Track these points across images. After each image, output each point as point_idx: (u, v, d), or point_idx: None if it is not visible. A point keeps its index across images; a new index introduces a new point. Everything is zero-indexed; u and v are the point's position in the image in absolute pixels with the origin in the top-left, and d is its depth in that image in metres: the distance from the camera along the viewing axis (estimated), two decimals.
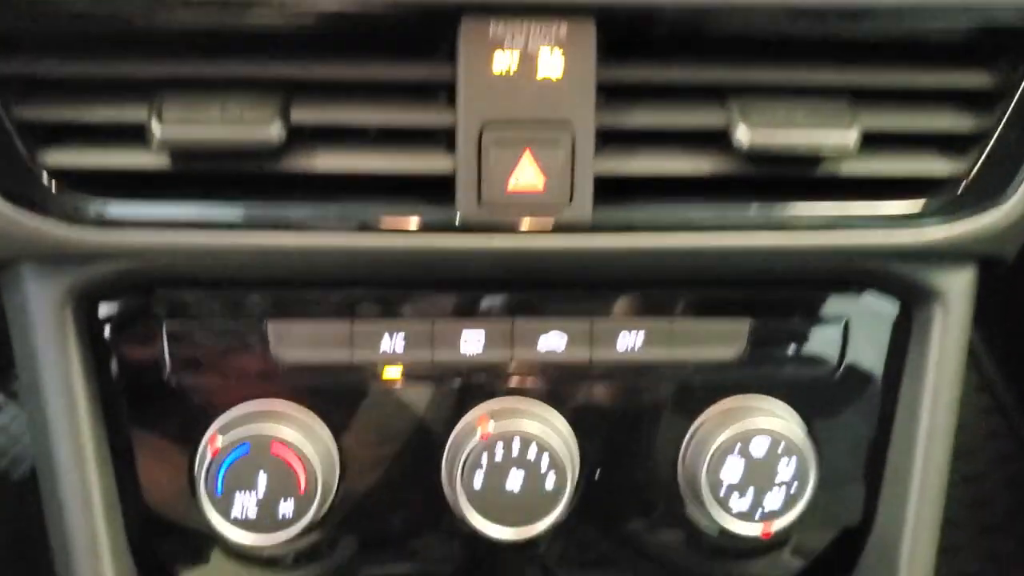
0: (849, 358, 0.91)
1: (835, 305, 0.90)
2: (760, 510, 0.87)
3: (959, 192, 0.83)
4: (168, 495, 0.88)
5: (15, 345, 0.86)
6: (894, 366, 0.92)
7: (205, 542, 0.91)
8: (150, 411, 0.87)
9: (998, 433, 1.76)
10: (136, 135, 0.76)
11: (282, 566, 0.93)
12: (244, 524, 0.83)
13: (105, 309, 0.85)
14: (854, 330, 0.90)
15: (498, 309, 0.87)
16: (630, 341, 0.87)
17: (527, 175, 0.77)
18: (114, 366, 0.86)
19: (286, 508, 0.83)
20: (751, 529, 0.88)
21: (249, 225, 0.79)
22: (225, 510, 0.83)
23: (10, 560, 1.59)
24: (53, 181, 0.77)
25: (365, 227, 0.79)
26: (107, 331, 0.85)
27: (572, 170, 0.77)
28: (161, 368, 0.86)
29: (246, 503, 0.83)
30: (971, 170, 0.82)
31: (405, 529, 0.92)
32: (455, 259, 0.81)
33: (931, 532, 0.93)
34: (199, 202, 0.79)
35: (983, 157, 0.82)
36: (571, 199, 0.78)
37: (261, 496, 0.83)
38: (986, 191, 0.82)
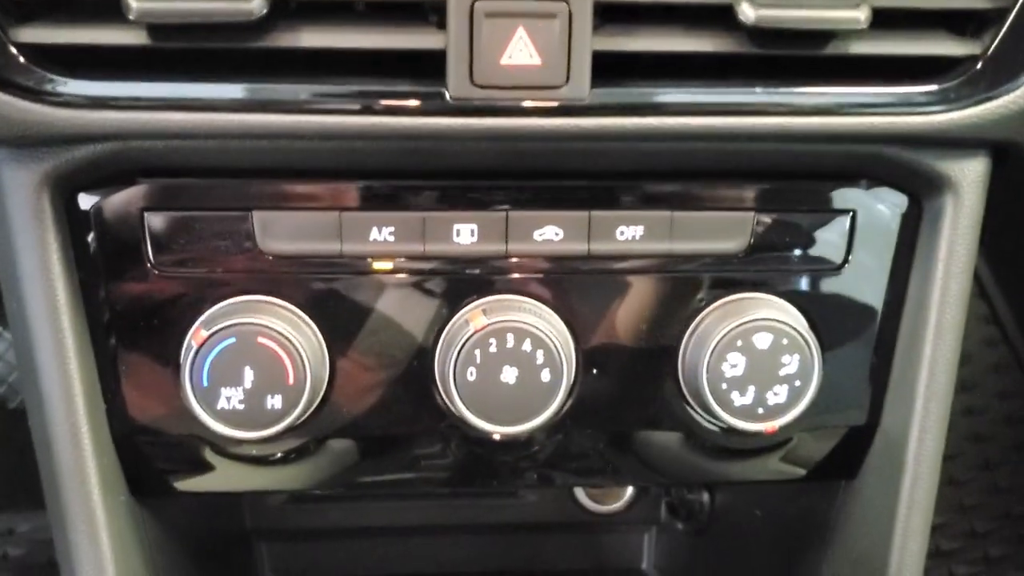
0: (856, 253, 0.88)
1: (842, 198, 0.87)
2: (762, 406, 0.85)
3: (973, 74, 0.79)
4: (153, 393, 0.86)
5: None
6: (902, 261, 0.89)
7: (192, 442, 0.89)
8: (133, 306, 0.84)
9: (1001, 366, 1.74)
10: (113, 11, 0.73)
11: (270, 466, 0.92)
12: (231, 418, 0.81)
13: (85, 200, 0.82)
14: (861, 223, 0.87)
15: (492, 201, 0.84)
16: (629, 234, 0.85)
17: (521, 52, 0.74)
18: (95, 259, 0.83)
19: (274, 401, 0.81)
20: (752, 426, 0.86)
21: (230, 105, 0.76)
22: (211, 403, 0.81)
23: (7, 489, 1.59)
24: (24, 58, 0.74)
25: (353, 107, 0.76)
26: (87, 223, 0.82)
27: (568, 47, 0.74)
28: (143, 262, 0.83)
29: (232, 396, 0.81)
30: (987, 51, 0.79)
31: (397, 427, 0.89)
32: (447, 142, 0.78)
33: (938, 432, 0.91)
34: (179, 82, 0.76)
35: (999, 37, 0.79)
36: (567, 78, 0.75)
37: (248, 387, 0.80)
38: (1002, 73, 0.79)
